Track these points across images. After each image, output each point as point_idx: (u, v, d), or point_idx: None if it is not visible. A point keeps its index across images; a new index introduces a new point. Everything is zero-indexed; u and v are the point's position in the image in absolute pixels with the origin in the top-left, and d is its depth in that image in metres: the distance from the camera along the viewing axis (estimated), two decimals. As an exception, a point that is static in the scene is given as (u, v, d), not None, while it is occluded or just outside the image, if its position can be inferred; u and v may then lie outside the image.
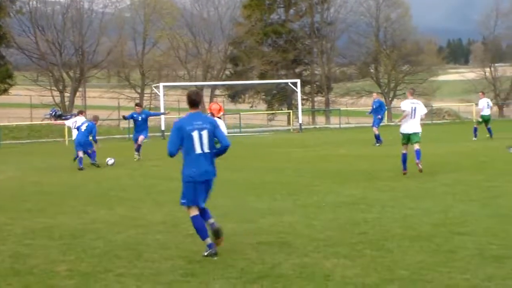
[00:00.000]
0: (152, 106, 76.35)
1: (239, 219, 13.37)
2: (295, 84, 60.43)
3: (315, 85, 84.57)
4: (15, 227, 13.21)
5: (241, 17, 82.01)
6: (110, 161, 27.51)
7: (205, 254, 10.28)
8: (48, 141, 49.71)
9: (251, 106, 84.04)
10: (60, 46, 76.22)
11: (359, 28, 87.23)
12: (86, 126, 27.65)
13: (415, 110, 20.57)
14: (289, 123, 68.79)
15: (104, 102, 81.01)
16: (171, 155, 10.55)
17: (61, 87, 76.33)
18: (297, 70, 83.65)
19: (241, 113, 66.76)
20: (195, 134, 10.40)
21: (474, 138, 34.98)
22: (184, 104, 50.06)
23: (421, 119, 21.13)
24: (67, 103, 75.36)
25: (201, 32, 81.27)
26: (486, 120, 35.77)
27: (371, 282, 8.59)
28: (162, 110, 50.04)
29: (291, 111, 68.26)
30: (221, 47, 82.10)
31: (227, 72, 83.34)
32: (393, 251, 10.18)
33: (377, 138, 33.97)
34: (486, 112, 35.98)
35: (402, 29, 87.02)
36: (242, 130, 58.33)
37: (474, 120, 35.94)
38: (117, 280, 9.17)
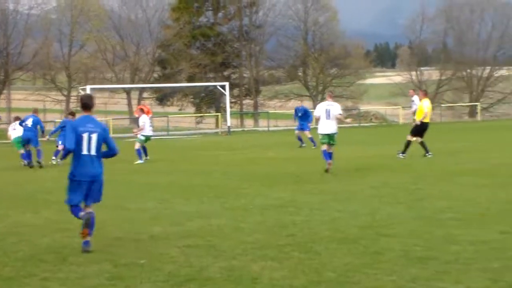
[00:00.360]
0: (79, 109, 75.46)
1: (167, 222, 13.27)
2: (223, 87, 60.45)
3: (243, 88, 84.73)
4: None
5: (170, 20, 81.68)
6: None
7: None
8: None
9: (180, 109, 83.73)
10: (-17, 47, 75.03)
11: (288, 31, 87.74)
12: (32, 121, 27.54)
13: (329, 111, 21.72)
14: (217, 126, 68.81)
15: (29, 104, 79.47)
16: (71, 150, 11.17)
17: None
18: (225, 73, 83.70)
19: (169, 116, 66.47)
20: (85, 136, 11.05)
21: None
22: (111, 107, 49.46)
23: (341, 121, 22.35)
24: (-9, 105, 74.26)
25: (129, 34, 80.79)
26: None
27: (299, 284, 8.58)
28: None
29: (219, 114, 68.31)
30: (149, 49, 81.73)
31: (155, 75, 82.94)
32: (321, 254, 10.20)
33: (311, 140, 34.10)
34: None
35: (330, 32, 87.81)
36: (170, 133, 58.10)
37: (404, 122, 36.19)
38: (42, 284, 9.00)
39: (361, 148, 31.75)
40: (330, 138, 21.73)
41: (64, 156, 11.85)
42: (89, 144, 11.05)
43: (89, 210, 11.17)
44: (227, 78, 78.69)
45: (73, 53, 79.83)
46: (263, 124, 70.89)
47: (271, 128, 63.06)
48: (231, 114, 62.33)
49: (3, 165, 28.92)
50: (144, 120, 29.43)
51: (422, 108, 26.46)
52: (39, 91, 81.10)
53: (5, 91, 76.64)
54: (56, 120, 60.98)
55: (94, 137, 11.06)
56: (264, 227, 12.53)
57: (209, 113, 79.43)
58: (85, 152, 11.05)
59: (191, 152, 33.29)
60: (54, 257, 10.36)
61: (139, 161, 28.19)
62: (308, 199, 15.91)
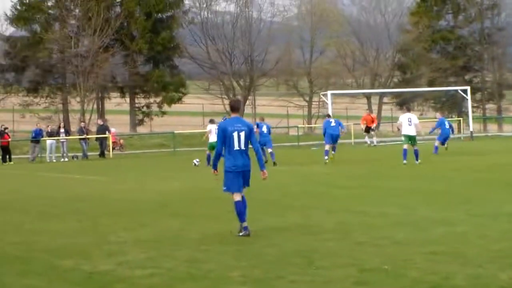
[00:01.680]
0: (320, 113, 76.89)
1: (410, 228, 13.23)
2: (465, 91, 59.25)
3: (486, 92, 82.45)
4: (190, 233, 13.58)
5: (409, 24, 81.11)
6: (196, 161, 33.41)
7: (240, 234, 12.93)
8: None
9: (421, 114, 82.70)
10: (230, 55, 77.84)
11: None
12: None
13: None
14: (459, 131, 67.56)
15: (273, 110, 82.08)
16: (218, 151, 13.14)
17: (231, 96, 77.91)
18: (466, 77, 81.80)
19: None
20: (235, 134, 12.89)
21: None
22: (352, 112, 49.80)
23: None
24: (236, 111, 76.85)
25: (368, 39, 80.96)
26: None
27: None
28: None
29: (461, 118, 66.98)
30: (388, 54, 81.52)
31: (395, 80, 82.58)
32: None
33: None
34: None
35: None
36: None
37: None
38: (289, 286, 9.24)
39: None
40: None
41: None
42: (239, 140, 12.93)
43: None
44: (468, 82, 76.96)
45: (313, 59, 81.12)
46: (507, 129, 68.74)
47: (516, 133, 61.12)
48: (473, 118, 60.97)
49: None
50: (400, 119, 30.76)
51: None
52: (282, 97, 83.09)
53: (250, 97, 79.17)
54: (299, 126, 62.39)
55: (242, 134, 12.94)
56: (512, 235, 12.21)
57: (451, 117, 77.99)
58: (237, 147, 12.95)
59: (431, 157, 32.78)
60: (301, 261, 10.59)
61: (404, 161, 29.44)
62: (558, 207, 15.32)
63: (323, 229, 13.40)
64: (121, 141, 54.40)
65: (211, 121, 34.72)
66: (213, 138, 31.47)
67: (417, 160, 29.12)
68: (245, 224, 12.97)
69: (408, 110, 32.66)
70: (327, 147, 31.98)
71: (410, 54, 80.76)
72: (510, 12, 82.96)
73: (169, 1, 70.76)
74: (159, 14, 70.64)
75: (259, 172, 13.41)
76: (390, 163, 30.71)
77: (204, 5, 78.89)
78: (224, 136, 12.96)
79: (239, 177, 13.02)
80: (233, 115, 13.41)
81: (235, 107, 13.48)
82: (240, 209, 12.99)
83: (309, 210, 16.19)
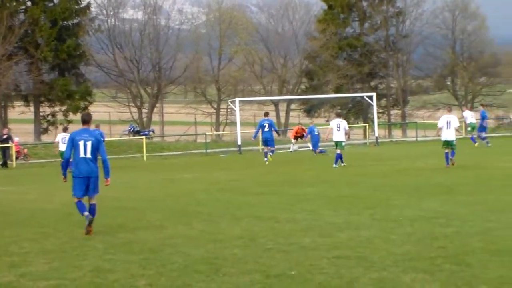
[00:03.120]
0: (228, 120, 77.10)
1: (316, 233, 13.36)
2: (370, 97, 60.10)
3: (391, 98, 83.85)
4: (95, 242, 13.41)
5: (316, 32, 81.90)
6: None
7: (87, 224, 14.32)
8: (126, 157, 50.37)
9: (327, 120, 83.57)
10: (137, 63, 77.35)
11: (435, 40, 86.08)
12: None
13: (450, 123, 27.74)
14: (365, 136, 68.47)
15: (181, 117, 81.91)
16: (66, 157, 14.90)
17: (139, 103, 77.48)
18: (372, 84, 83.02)
19: (318, 127, 66.58)
20: (81, 143, 14.42)
21: None
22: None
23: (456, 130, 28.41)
24: (145, 119, 76.46)
25: (276, 47, 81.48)
26: None
27: (451, 297, 8.50)
28: (238, 125, 50.73)
29: (367, 124, 67.95)
30: (296, 61, 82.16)
31: (302, 87, 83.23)
32: (473, 266, 10.03)
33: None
34: None
35: (479, 41, 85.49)
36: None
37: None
38: (196, 294, 9.23)
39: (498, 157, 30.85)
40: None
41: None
42: (85, 149, 14.43)
43: (93, 201, 14.77)
44: (374, 89, 78.09)
45: (222, 66, 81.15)
46: (411, 134, 70.01)
47: (419, 139, 62.25)
48: (378, 124, 61.89)
49: (159, 177, 29.70)
50: (331, 125, 32.54)
51: None
52: (190, 104, 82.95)
53: (158, 105, 78.82)
54: (208, 133, 62.38)
55: (89, 144, 14.44)
56: (415, 238, 12.43)
57: (357, 124, 79.06)
58: (82, 155, 14.45)
59: (332, 163, 33.15)
60: (207, 268, 10.59)
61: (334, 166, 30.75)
62: (459, 210, 15.66)
63: (230, 236, 13.39)
64: (25, 150, 53.27)
65: (65, 129, 35.43)
66: (61, 147, 33.24)
67: (335, 164, 30.61)
68: (86, 213, 14.40)
69: (338, 116, 34.00)
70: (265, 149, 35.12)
71: (317, 61, 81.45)
72: (414, 20, 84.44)
73: (75, 9, 69.72)
74: (65, 22, 69.37)
75: (167, 182, 13.34)
76: (297, 169, 30.91)
77: (111, 13, 78.30)
78: (72, 145, 14.49)
79: (82, 183, 14.50)
80: (83, 127, 14.76)
81: (85, 120, 14.95)
82: (80, 207, 14.58)
83: (216, 218, 16.15)
